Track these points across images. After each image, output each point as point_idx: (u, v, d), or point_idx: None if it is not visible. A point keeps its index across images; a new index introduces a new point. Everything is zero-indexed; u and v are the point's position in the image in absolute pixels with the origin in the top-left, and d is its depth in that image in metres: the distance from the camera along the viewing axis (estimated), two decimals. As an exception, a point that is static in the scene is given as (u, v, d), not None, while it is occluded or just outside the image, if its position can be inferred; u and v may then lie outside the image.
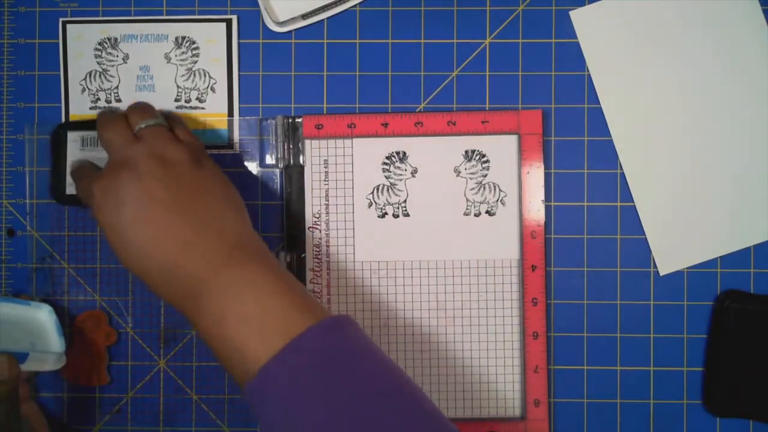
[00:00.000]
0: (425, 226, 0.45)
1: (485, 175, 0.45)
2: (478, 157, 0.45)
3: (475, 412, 0.45)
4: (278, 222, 0.46)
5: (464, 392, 0.45)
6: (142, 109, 0.42)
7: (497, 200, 0.45)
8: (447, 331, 0.45)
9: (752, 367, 0.45)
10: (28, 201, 0.46)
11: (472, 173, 0.45)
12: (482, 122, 0.45)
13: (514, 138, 0.45)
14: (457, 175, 0.45)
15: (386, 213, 0.45)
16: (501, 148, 0.45)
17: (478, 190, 0.45)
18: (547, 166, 0.46)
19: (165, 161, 0.38)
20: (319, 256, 0.45)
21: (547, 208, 0.46)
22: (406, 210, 0.45)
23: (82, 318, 0.46)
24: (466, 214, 0.45)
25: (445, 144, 0.45)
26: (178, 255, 0.36)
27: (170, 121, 0.42)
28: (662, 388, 0.46)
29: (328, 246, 0.45)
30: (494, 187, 0.45)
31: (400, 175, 0.45)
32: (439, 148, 0.45)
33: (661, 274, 0.46)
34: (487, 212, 0.45)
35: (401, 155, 0.45)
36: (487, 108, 0.46)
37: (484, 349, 0.45)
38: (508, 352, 0.45)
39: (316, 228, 0.45)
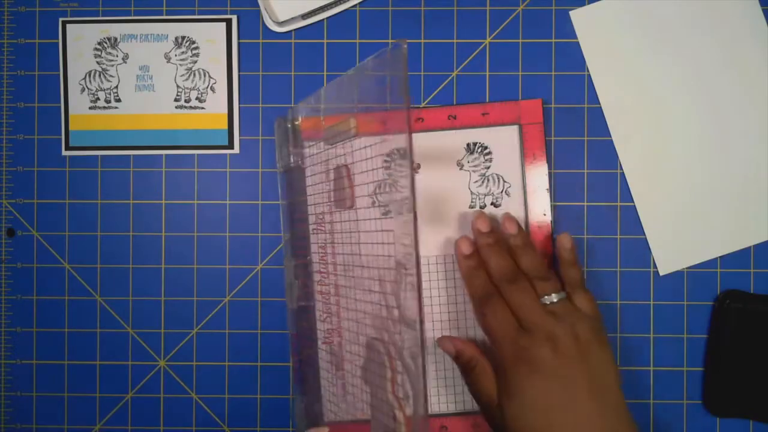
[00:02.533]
0: (431, 221, 0.45)
1: (488, 167, 0.45)
2: (480, 150, 0.45)
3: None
4: (279, 223, 0.46)
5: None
6: (543, 276, 0.40)
7: (502, 191, 0.45)
8: (459, 325, 0.45)
9: (752, 367, 0.45)
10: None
11: (474, 166, 0.45)
12: (482, 114, 0.45)
13: (515, 128, 0.45)
14: (460, 169, 0.45)
15: (389, 211, 0.45)
16: (503, 139, 0.45)
17: (482, 182, 0.45)
18: (547, 166, 0.46)
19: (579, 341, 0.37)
20: (325, 258, 0.45)
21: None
22: (414, 206, 0.45)
23: None
24: (471, 207, 0.45)
25: (447, 138, 0.45)
26: None
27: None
28: (662, 388, 0.46)
29: (333, 247, 0.45)
30: (498, 178, 0.45)
31: (402, 172, 0.45)
32: (440, 142, 0.45)
33: (661, 274, 0.46)
34: (492, 204, 0.45)
35: (402, 152, 0.45)
36: (487, 108, 0.46)
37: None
38: None
39: (320, 230, 0.45)
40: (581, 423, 0.35)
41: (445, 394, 0.45)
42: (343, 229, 0.45)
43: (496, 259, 0.41)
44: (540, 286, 0.39)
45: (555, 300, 0.39)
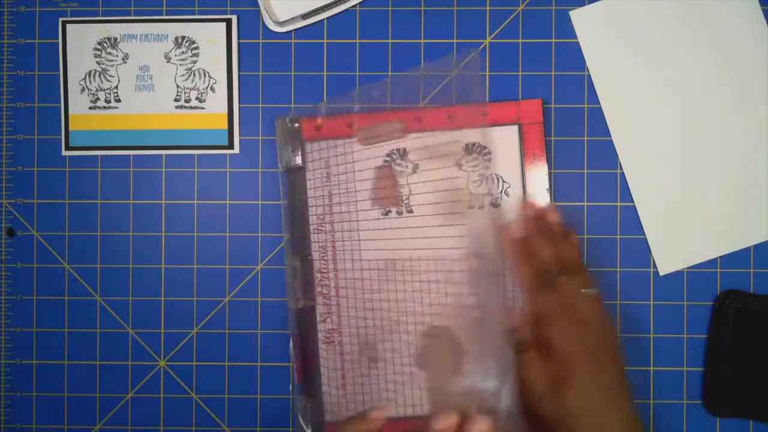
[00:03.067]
0: (430, 221, 0.45)
1: (487, 167, 0.45)
2: (479, 150, 0.45)
3: None
4: (279, 223, 0.46)
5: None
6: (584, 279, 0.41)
7: (501, 191, 0.45)
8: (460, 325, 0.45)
9: (752, 367, 0.45)
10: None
11: (473, 166, 0.45)
12: (482, 114, 0.45)
13: (514, 129, 0.45)
14: (459, 169, 0.45)
15: (390, 210, 0.45)
16: (502, 139, 0.45)
17: (481, 182, 0.45)
18: (547, 166, 0.46)
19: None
20: (326, 258, 0.45)
21: (547, 208, 0.46)
22: (409, 206, 0.45)
23: None
24: (470, 207, 0.45)
25: (446, 138, 0.45)
26: None
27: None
28: (662, 388, 0.46)
29: (333, 247, 0.45)
30: (497, 178, 0.45)
31: (402, 172, 0.45)
32: (440, 142, 0.45)
33: (661, 274, 0.46)
34: (492, 204, 0.45)
35: (401, 152, 0.45)
36: (487, 108, 0.46)
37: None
38: None
39: (320, 229, 0.45)
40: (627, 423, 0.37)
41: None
42: (343, 228, 0.45)
43: (550, 247, 0.40)
44: (581, 279, 0.40)
45: (593, 293, 0.39)
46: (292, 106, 0.47)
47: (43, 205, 0.47)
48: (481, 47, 0.46)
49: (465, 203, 0.45)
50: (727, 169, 0.46)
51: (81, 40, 0.47)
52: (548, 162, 0.45)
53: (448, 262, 0.45)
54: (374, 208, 0.45)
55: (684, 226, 0.46)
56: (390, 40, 0.47)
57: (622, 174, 0.46)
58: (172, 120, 0.47)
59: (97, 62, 0.47)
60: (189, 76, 0.47)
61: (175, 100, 0.47)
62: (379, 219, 0.45)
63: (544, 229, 0.41)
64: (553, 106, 0.46)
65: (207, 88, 0.47)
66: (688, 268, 0.46)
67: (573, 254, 0.41)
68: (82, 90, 0.47)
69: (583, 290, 0.39)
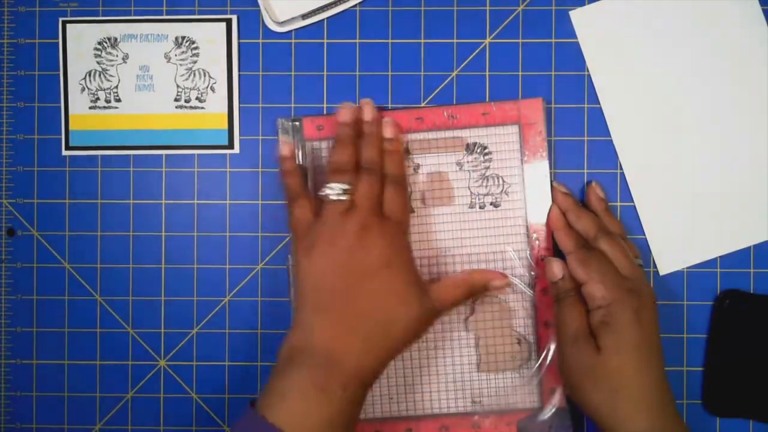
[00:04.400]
0: (431, 221, 0.45)
1: (488, 167, 0.45)
2: (479, 150, 0.45)
3: (492, 405, 0.45)
4: (279, 223, 0.46)
5: (480, 385, 0.45)
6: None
7: (502, 191, 0.45)
8: (461, 327, 0.45)
9: (752, 367, 0.45)
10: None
11: (474, 166, 0.45)
12: (483, 114, 0.45)
13: (515, 128, 0.45)
14: (460, 169, 0.45)
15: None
16: (502, 139, 0.45)
17: (482, 182, 0.45)
18: (547, 166, 0.46)
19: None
20: None
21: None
22: (410, 206, 0.45)
23: None
24: (471, 207, 0.45)
25: (447, 138, 0.45)
26: None
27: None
28: (662, 388, 0.46)
29: None
30: (498, 178, 0.45)
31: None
32: (440, 142, 0.45)
33: (661, 274, 0.46)
34: (492, 204, 0.45)
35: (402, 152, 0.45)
36: (487, 108, 0.46)
37: (500, 337, 0.45)
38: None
39: None
40: (657, 374, 0.39)
41: (446, 392, 0.45)
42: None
43: (589, 216, 0.43)
44: (627, 246, 0.42)
45: (639, 263, 0.42)
46: (292, 105, 0.47)
47: (43, 205, 0.47)
48: (481, 47, 0.46)
49: (465, 204, 0.45)
50: (727, 168, 0.46)
51: (81, 40, 0.47)
52: (548, 162, 0.45)
53: (451, 261, 0.45)
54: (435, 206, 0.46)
55: (684, 226, 0.46)
56: (390, 40, 0.47)
57: (622, 174, 0.46)
58: (172, 120, 0.47)
59: (97, 62, 0.47)
60: (189, 76, 0.47)
61: (175, 100, 0.47)
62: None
63: (579, 204, 0.44)
64: (553, 106, 0.46)
65: (207, 88, 0.47)
66: (688, 268, 0.46)
67: (618, 226, 0.44)
68: (82, 90, 0.47)
69: (627, 255, 0.41)
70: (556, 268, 0.42)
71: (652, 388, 0.38)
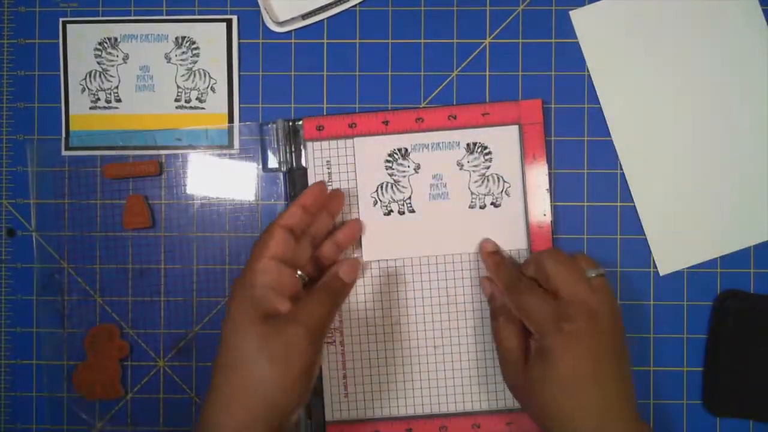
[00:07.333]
0: (431, 221, 0.45)
1: (488, 167, 0.45)
2: (480, 150, 0.45)
3: (491, 404, 0.45)
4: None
5: (479, 385, 0.45)
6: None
7: (502, 191, 0.45)
8: (459, 325, 0.45)
9: (752, 367, 0.45)
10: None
11: (474, 166, 0.45)
12: (483, 114, 0.45)
13: (515, 128, 0.45)
14: (460, 169, 0.45)
15: (392, 210, 0.45)
16: (502, 139, 0.45)
17: (482, 182, 0.45)
18: (547, 166, 0.46)
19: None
20: None
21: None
22: (411, 206, 0.45)
23: (94, 332, 0.46)
24: (471, 207, 0.45)
25: (447, 138, 0.45)
26: None
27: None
28: (662, 388, 0.46)
29: None
30: (498, 178, 0.45)
31: (404, 171, 0.45)
32: (440, 142, 0.45)
33: (661, 274, 0.46)
34: (492, 204, 0.45)
35: (403, 152, 0.46)
36: (487, 108, 0.46)
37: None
38: None
39: None
40: (609, 399, 0.36)
41: (445, 394, 0.45)
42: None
43: (510, 265, 0.43)
44: (580, 260, 0.40)
45: (593, 275, 0.39)
46: (292, 106, 0.47)
47: (43, 205, 0.47)
48: (481, 47, 0.46)
49: (465, 204, 0.45)
50: (727, 169, 0.46)
51: (81, 40, 0.47)
52: (548, 162, 0.45)
53: (450, 261, 0.45)
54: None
55: (684, 226, 0.46)
56: (390, 40, 0.47)
57: (622, 174, 0.46)
58: (172, 120, 0.47)
59: (98, 62, 0.47)
60: (189, 76, 0.47)
61: (176, 100, 0.47)
62: (380, 219, 0.45)
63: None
64: (553, 106, 0.46)
65: (207, 88, 0.47)
66: (688, 268, 0.46)
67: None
68: (83, 90, 0.47)
69: (588, 270, 0.39)
70: (485, 288, 0.44)
71: (596, 399, 0.36)
